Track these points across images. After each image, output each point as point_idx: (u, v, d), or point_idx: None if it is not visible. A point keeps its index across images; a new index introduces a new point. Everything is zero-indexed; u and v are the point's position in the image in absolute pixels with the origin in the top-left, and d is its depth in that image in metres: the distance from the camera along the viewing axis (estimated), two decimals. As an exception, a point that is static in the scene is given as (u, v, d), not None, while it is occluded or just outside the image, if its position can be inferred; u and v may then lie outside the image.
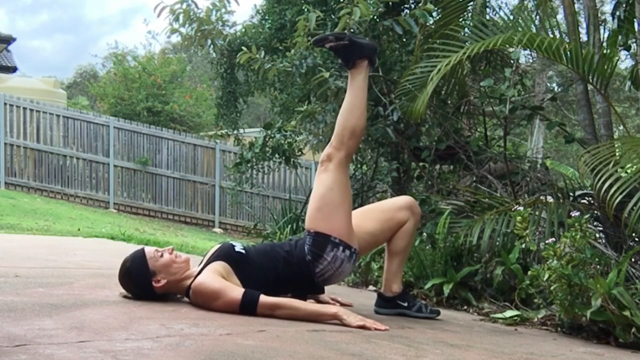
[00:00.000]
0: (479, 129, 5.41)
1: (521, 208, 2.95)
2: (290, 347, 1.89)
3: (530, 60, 11.21)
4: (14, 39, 17.86)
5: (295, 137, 5.33)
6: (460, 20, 4.36)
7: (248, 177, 5.74)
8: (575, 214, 2.72)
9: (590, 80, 3.54)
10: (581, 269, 2.57)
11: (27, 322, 1.94)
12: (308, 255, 2.58)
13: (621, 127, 10.38)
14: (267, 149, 5.30)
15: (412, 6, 5.09)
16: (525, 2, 5.46)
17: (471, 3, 4.41)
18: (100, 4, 64.51)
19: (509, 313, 3.05)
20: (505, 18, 3.98)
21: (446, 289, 3.36)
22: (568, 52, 3.40)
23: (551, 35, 3.59)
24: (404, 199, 2.88)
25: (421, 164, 4.82)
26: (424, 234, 3.72)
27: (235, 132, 7.18)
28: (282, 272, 2.58)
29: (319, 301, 2.78)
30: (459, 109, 4.79)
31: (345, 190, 2.63)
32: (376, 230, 2.76)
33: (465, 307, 3.38)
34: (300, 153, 5.44)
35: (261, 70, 4.58)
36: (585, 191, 4.05)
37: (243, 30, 6.71)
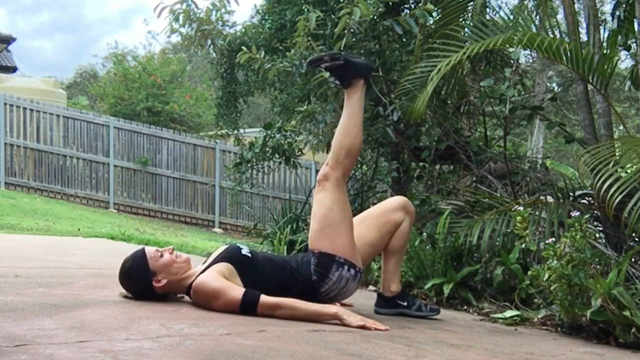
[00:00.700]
0: (479, 129, 5.41)
1: (521, 208, 2.95)
2: (290, 347, 1.89)
3: (530, 60, 11.20)
4: (14, 39, 17.86)
5: (295, 137, 5.33)
6: (460, 20, 4.35)
7: (248, 177, 5.74)
8: (575, 214, 2.71)
9: (590, 80, 3.53)
10: (581, 269, 2.57)
11: (27, 322, 1.94)
12: (314, 276, 2.59)
13: (621, 127, 10.38)
14: (267, 149, 5.30)
15: (412, 6, 5.08)
16: (525, 2, 5.45)
17: (471, 3, 4.40)
18: (100, 4, 64.57)
19: (509, 313, 3.05)
20: (505, 18, 3.98)
21: (446, 289, 3.36)
22: (568, 52, 3.40)
23: (551, 35, 3.60)
24: (396, 200, 2.89)
25: (421, 164, 4.82)
26: (424, 234, 3.71)
27: (235, 132, 7.17)
28: (286, 282, 2.58)
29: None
30: (459, 109, 4.79)
31: (344, 208, 2.64)
32: (375, 239, 2.79)
33: (465, 307, 3.38)
34: (300, 153, 5.43)
35: (261, 70, 4.58)
36: (585, 191, 4.05)
37: (243, 30, 6.71)
